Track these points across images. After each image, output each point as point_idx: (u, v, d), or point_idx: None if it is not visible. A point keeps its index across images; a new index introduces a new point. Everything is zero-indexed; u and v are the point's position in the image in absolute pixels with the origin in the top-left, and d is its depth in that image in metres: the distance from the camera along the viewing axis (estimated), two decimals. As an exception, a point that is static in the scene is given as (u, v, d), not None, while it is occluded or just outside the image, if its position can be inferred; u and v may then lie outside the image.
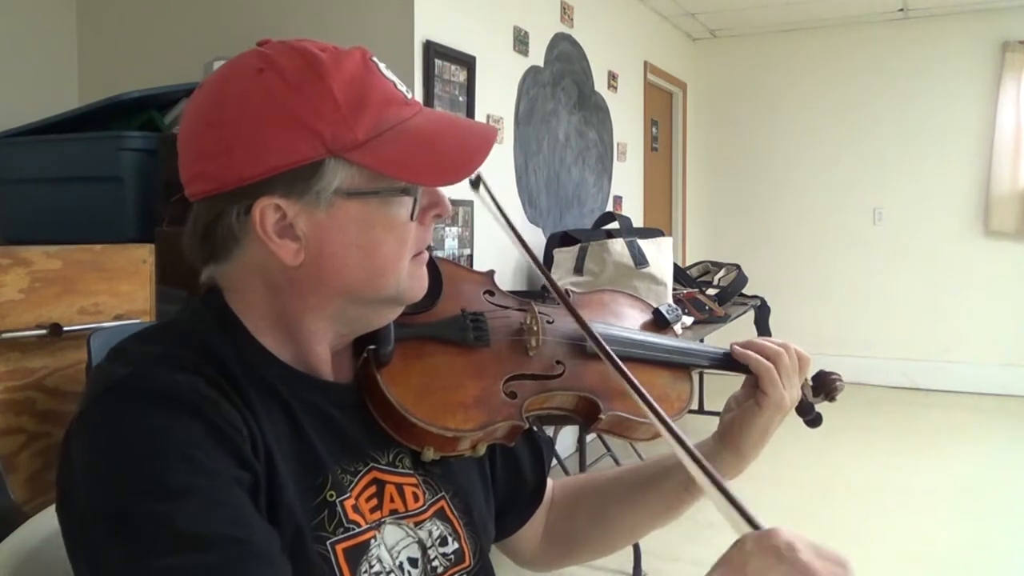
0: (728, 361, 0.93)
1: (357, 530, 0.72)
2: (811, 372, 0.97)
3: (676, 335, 0.99)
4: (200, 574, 0.57)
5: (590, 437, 3.22)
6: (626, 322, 0.98)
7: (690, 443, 0.68)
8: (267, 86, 0.69)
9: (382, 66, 0.75)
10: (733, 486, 0.66)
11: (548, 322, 0.89)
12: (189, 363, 0.67)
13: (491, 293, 0.91)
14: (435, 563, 0.78)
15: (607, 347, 0.77)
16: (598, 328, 0.90)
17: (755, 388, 0.91)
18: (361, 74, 0.71)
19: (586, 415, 0.86)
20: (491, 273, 0.94)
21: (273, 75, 0.69)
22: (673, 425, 0.69)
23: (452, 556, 0.80)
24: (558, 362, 0.86)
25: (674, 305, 1.02)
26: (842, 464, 4.05)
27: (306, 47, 0.71)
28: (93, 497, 0.62)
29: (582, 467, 3.23)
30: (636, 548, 2.92)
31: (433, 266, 0.85)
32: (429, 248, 0.80)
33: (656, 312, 1.01)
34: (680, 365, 0.94)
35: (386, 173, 0.70)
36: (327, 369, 0.78)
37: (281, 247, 0.70)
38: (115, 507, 0.60)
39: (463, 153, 0.73)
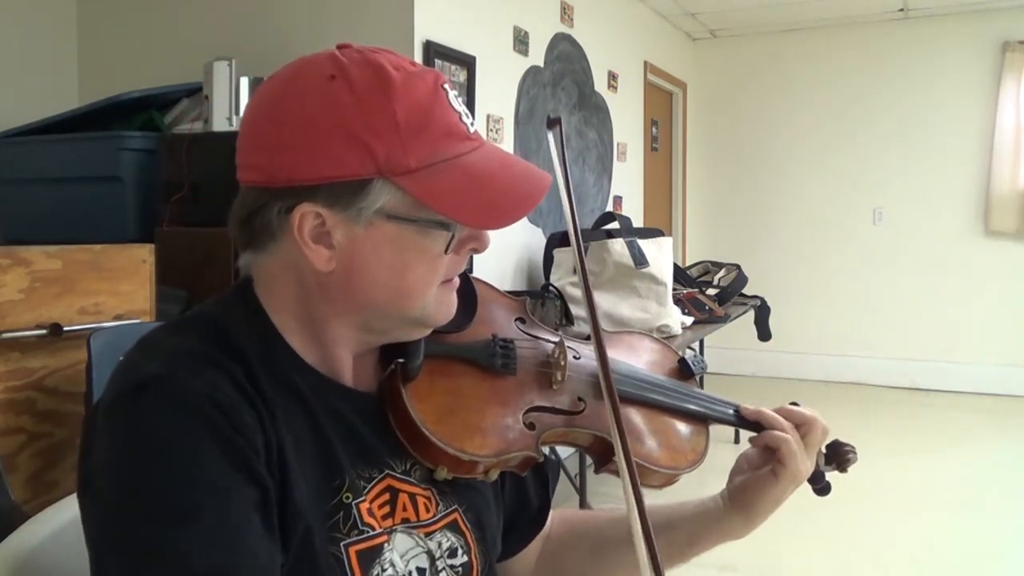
0: (753, 423, 0.91)
1: (371, 533, 0.73)
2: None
3: (700, 386, 0.98)
4: None
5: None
6: (652, 367, 0.96)
7: (648, 521, 0.71)
8: (334, 94, 0.69)
9: (452, 95, 0.75)
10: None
11: (575, 358, 0.88)
12: (215, 360, 0.69)
13: (522, 321, 0.91)
14: (442, 574, 0.78)
15: (613, 387, 0.77)
16: (620, 367, 0.89)
17: (771, 454, 0.89)
18: (428, 101, 0.72)
19: (600, 455, 0.86)
20: (524, 300, 0.94)
21: (342, 84, 0.69)
22: (641, 498, 0.72)
23: (460, 568, 0.80)
24: (580, 399, 0.85)
25: (700, 357, 1.00)
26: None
27: (381, 62, 0.71)
28: (109, 497, 0.64)
29: (581, 466, 3.24)
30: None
31: (469, 286, 0.85)
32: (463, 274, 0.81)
33: (682, 361, 0.99)
34: (699, 417, 0.93)
35: (430, 205, 0.70)
36: (348, 374, 0.78)
37: (315, 252, 0.71)
38: (126, 519, 0.63)
39: (510, 199, 0.73)
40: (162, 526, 0.61)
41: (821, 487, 0.94)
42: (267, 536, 0.65)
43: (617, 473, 0.86)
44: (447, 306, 0.78)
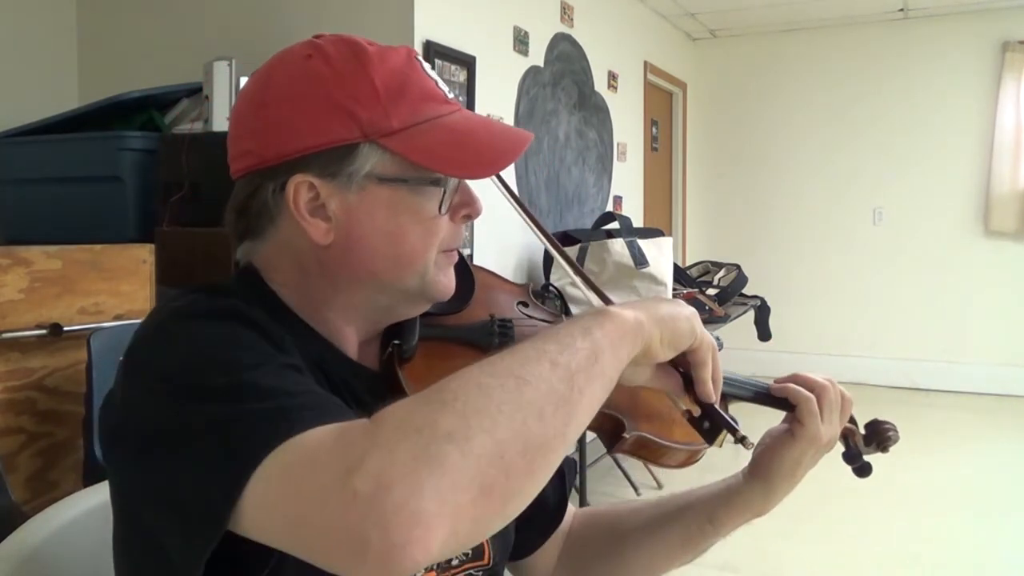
0: (771, 396, 0.89)
1: None
2: (864, 420, 0.92)
3: None
4: (287, 409, 0.56)
5: (590, 436, 3.23)
6: None
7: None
8: (312, 70, 0.72)
9: (426, 66, 0.77)
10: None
11: None
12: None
13: (524, 304, 0.91)
14: (454, 559, 0.78)
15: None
16: None
17: (794, 421, 0.87)
18: (404, 69, 0.75)
19: (610, 433, 0.84)
20: (527, 286, 0.94)
21: (320, 61, 0.73)
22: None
23: (470, 551, 0.79)
24: None
25: (715, 336, 0.99)
26: (842, 464, 4.04)
27: (355, 39, 0.75)
28: (166, 389, 0.60)
29: (582, 465, 3.23)
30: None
31: (466, 270, 0.85)
32: (461, 253, 0.81)
33: None
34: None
35: (417, 161, 0.72)
36: (353, 353, 0.79)
37: (312, 225, 0.72)
38: (191, 384, 0.59)
39: (494, 152, 0.75)
40: (225, 375, 0.58)
41: (859, 467, 0.91)
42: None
43: (632, 452, 0.84)
44: (447, 277, 0.78)
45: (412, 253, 0.74)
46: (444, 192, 0.74)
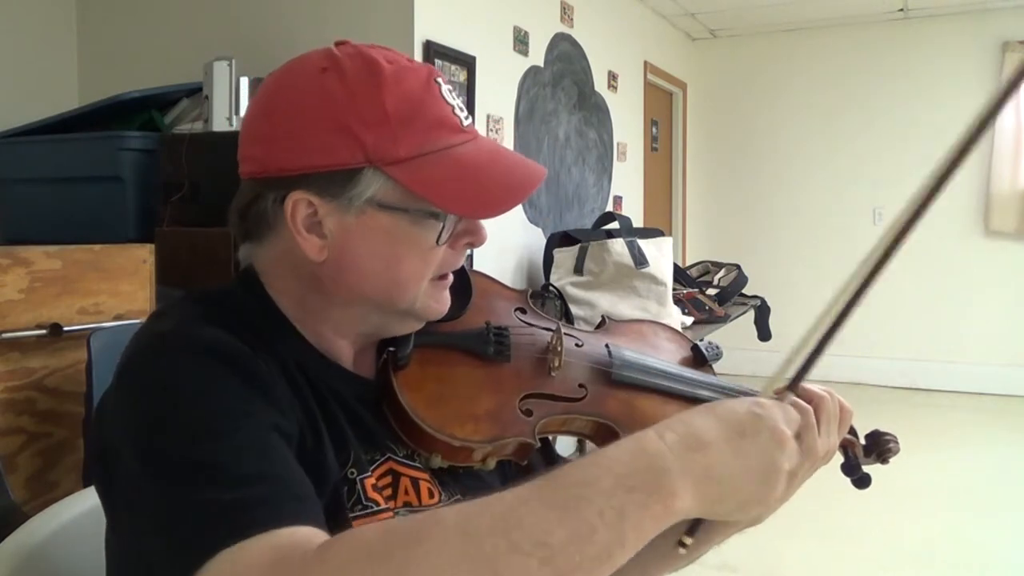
0: None
1: (376, 508, 0.73)
2: (864, 431, 0.92)
3: (715, 373, 0.95)
4: (238, 507, 0.56)
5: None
6: (663, 355, 0.94)
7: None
8: (324, 86, 0.71)
9: (446, 89, 0.75)
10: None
11: (577, 345, 0.88)
12: (228, 325, 0.69)
13: (522, 311, 0.91)
14: None
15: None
16: (627, 355, 0.88)
17: None
18: (419, 93, 0.72)
19: (603, 442, 0.84)
20: (526, 292, 0.94)
21: (333, 76, 0.71)
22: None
23: None
24: (580, 386, 0.84)
25: (714, 343, 0.97)
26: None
27: (374, 55, 0.73)
28: (135, 442, 0.62)
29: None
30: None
31: (464, 277, 0.85)
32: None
33: (695, 348, 0.97)
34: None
35: (419, 194, 0.71)
36: (348, 363, 0.79)
37: (307, 241, 0.72)
38: (158, 448, 0.60)
39: (501, 190, 0.74)
40: (194, 443, 0.59)
41: (859, 478, 0.90)
42: (296, 461, 0.64)
43: None
44: (438, 302, 0.78)
45: (405, 280, 0.74)
46: (443, 226, 0.73)
